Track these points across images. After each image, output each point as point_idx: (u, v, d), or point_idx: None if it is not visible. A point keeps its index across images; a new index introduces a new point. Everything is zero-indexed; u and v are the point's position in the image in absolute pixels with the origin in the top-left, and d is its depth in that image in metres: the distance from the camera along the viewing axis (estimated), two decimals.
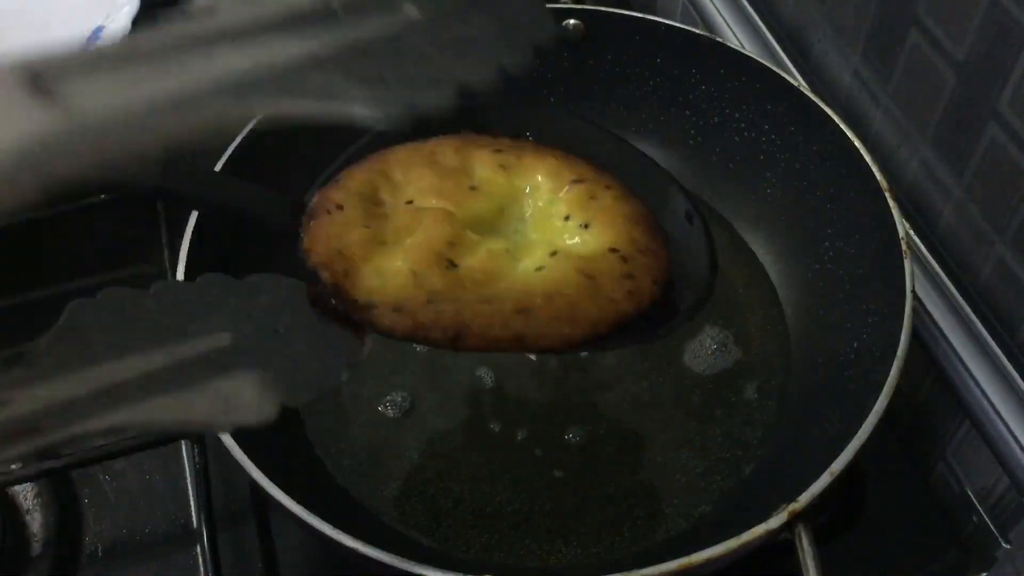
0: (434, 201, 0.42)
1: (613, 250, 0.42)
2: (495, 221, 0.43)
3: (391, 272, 0.39)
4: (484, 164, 0.44)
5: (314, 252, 0.39)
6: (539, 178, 0.44)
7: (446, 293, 0.38)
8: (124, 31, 0.69)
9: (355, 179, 0.42)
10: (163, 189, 0.38)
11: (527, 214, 0.44)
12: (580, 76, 0.66)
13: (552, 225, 0.43)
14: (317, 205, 0.41)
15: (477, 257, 0.41)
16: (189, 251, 0.53)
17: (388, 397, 0.58)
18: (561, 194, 0.44)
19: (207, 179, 0.39)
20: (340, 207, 0.40)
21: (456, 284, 0.39)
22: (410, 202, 0.42)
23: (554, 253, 0.42)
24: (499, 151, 0.45)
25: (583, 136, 0.47)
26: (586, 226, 0.43)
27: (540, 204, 0.44)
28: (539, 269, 0.41)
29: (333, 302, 0.38)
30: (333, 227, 0.40)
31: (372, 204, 0.42)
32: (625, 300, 0.40)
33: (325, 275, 0.38)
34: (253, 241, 0.59)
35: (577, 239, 0.43)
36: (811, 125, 0.59)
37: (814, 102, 0.59)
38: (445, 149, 0.44)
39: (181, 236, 0.53)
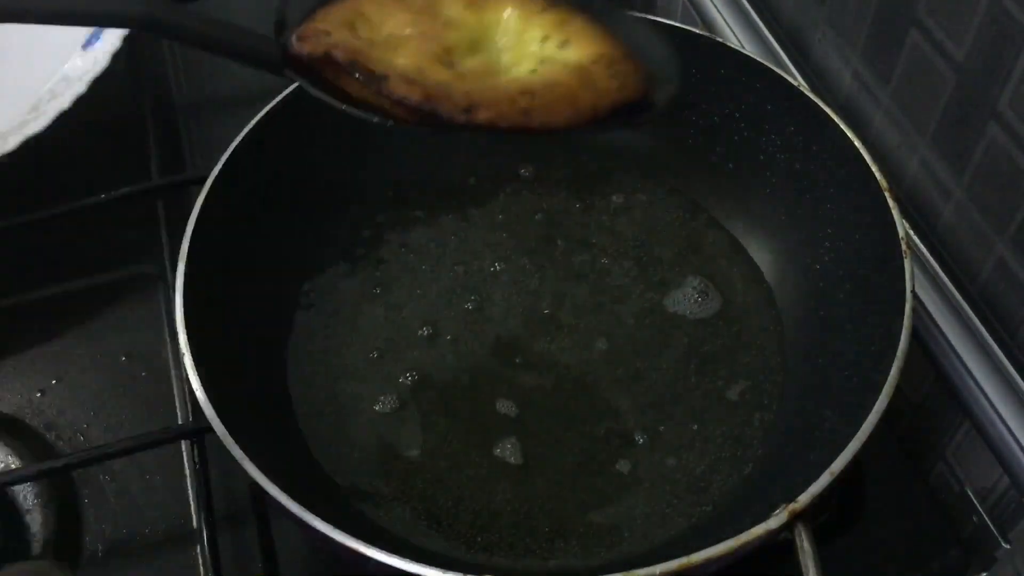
0: (413, 33, 0.44)
1: (597, 60, 0.44)
2: (474, 50, 0.45)
3: (398, 64, 0.41)
4: (451, 3, 0.46)
5: (321, 42, 0.41)
6: (508, 10, 0.46)
7: (452, 81, 0.41)
8: (124, 32, 0.69)
9: (333, 15, 0.44)
10: (150, 19, 0.40)
11: (503, 41, 0.46)
12: None
13: (531, 48, 0.45)
14: (306, 33, 0.42)
15: (472, 61, 0.43)
16: (190, 251, 0.53)
17: (387, 397, 0.58)
18: (533, 20, 0.46)
19: (193, 14, 0.41)
20: (328, 32, 0.42)
21: (458, 77, 0.41)
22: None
23: (543, 61, 0.44)
24: None
25: None
26: (565, 43, 0.45)
27: (514, 31, 0.46)
28: (533, 71, 0.43)
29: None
30: (330, 38, 0.42)
31: (355, 33, 0.43)
32: (617, 92, 0.43)
33: (338, 53, 0.40)
34: (254, 242, 0.59)
35: (560, 54, 0.45)
36: (811, 125, 0.59)
37: (814, 102, 0.58)
38: None
39: (181, 236, 0.54)
